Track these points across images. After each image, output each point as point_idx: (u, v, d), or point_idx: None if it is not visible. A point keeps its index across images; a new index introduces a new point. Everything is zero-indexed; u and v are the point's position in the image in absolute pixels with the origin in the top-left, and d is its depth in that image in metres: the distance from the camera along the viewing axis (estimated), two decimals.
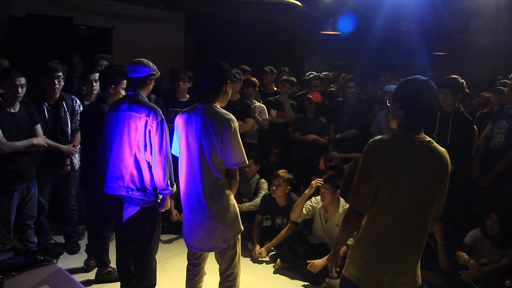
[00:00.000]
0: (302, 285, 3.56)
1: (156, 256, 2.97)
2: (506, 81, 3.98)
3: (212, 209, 2.40)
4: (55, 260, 3.48)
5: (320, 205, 3.80)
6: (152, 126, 2.62)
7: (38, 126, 3.34)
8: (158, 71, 2.84)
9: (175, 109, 4.45)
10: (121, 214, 2.84)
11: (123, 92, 3.18)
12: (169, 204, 2.85)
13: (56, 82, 3.53)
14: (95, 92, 3.90)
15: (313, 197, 3.86)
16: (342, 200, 3.72)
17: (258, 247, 3.99)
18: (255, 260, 3.92)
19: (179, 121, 2.50)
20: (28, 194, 3.33)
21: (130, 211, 2.80)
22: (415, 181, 1.86)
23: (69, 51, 5.33)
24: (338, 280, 2.26)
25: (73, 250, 3.84)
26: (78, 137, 3.68)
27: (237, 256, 2.56)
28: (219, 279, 2.65)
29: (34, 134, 3.30)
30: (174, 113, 4.45)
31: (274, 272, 3.75)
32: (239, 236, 2.58)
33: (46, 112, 3.57)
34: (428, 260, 3.50)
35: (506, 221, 3.19)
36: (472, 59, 6.92)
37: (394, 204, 1.86)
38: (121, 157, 2.70)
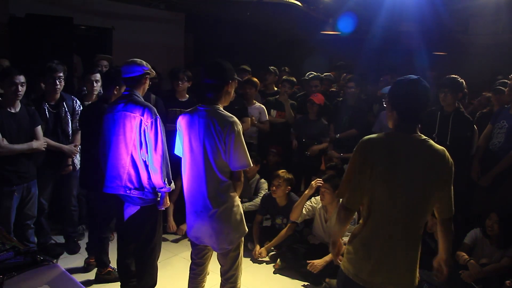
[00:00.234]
0: (302, 285, 3.55)
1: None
2: (506, 81, 3.99)
3: (217, 211, 2.37)
4: (55, 260, 3.50)
5: (320, 205, 3.80)
6: (146, 125, 2.64)
7: (39, 128, 3.34)
8: (152, 70, 2.85)
9: (174, 109, 4.46)
10: (122, 214, 2.86)
11: None
12: (168, 202, 2.84)
13: (57, 83, 3.54)
14: (96, 93, 3.91)
15: (313, 197, 3.86)
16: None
17: (258, 247, 3.99)
18: (255, 260, 3.92)
19: (181, 122, 2.46)
20: (28, 194, 3.33)
21: (130, 211, 2.81)
22: (408, 179, 1.85)
23: (69, 51, 5.33)
24: None
25: (73, 250, 3.84)
26: (79, 137, 3.69)
27: (239, 258, 2.55)
28: (219, 280, 2.64)
29: (34, 136, 3.29)
30: (173, 113, 4.46)
31: (274, 272, 3.75)
32: (242, 237, 2.56)
33: (47, 112, 3.57)
34: (428, 260, 3.50)
35: (506, 221, 3.19)
36: (472, 59, 6.92)
37: (385, 202, 1.87)
38: (118, 157, 2.73)
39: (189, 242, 4.18)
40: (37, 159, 3.41)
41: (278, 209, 4.11)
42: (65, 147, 3.63)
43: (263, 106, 4.87)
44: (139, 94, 2.78)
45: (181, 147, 2.50)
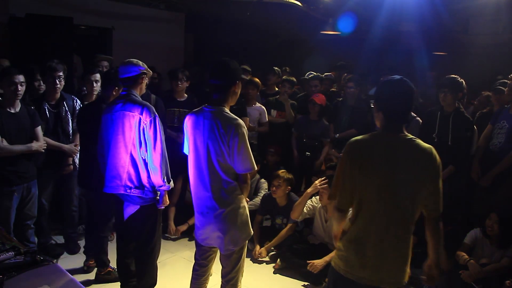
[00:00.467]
0: (302, 285, 3.56)
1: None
2: (506, 81, 3.99)
3: (224, 211, 2.35)
4: (55, 260, 3.51)
5: (320, 204, 3.80)
6: (145, 123, 2.64)
7: (39, 129, 3.33)
8: (149, 70, 2.85)
9: (173, 109, 4.47)
10: (121, 214, 2.86)
11: None
12: (167, 201, 2.84)
13: (57, 82, 3.54)
14: (95, 93, 3.90)
15: (313, 197, 3.86)
16: None
17: (258, 247, 3.99)
18: (255, 260, 3.92)
19: (187, 123, 2.44)
20: (28, 194, 3.33)
21: (130, 210, 2.82)
22: (396, 178, 1.88)
23: (69, 51, 5.32)
24: None
25: (73, 250, 3.84)
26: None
27: (241, 260, 2.52)
28: (220, 280, 2.64)
29: (34, 136, 3.29)
30: (172, 113, 4.47)
31: (274, 272, 3.76)
32: (247, 240, 2.55)
33: (47, 112, 3.58)
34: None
35: (506, 221, 3.19)
36: (472, 59, 6.92)
37: (374, 201, 1.90)
38: (117, 157, 2.73)
39: (189, 242, 4.23)
40: (37, 159, 3.41)
41: (278, 209, 4.11)
42: (66, 146, 3.63)
43: (263, 107, 4.87)
44: (137, 93, 2.79)
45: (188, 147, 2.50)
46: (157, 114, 2.70)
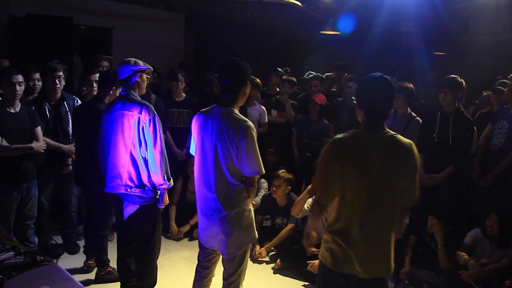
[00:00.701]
0: (302, 285, 3.56)
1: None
2: (505, 81, 3.99)
3: (228, 213, 2.32)
4: (55, 260, 3.51)
5: None
6: (145, 123, 2.64)
7: (39, 129, 3.34)
8: (146, 65, 2.80)
9: (172, 109, 4.48)
10: (122, 213, 2.86)
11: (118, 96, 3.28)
12: (167, 200, 2.84)
13: (57, 82, 3.55)
14: (95, 93, 3.91)
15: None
16: None
17: (258, 247, 3.99)
18: (255, 260, 3.92)
19: (195, 123, 2.41)
20: (28, 194, 3.33)
21: (129, 210, 2.82)
22: (377, 174, 1.93)
23: (69, 51, 5.32)
24: None
25: (72, 250, 3.84)
26: None
27: (244, 263, 2.49)
28: (220, 280, 2.63)
29: (34, 136, 3.29)
30: (171, 113, 4.48)
31: (274, 272, 3.76)
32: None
33: (47, 112, 3.58)
34: (428, 260, 3.51)
35: (506, 221, 3.19)
36: (472, 59, 6.92)
37: (356, 196, 1.96)
38: (117, 156, 2.74)
39: (189, 242, 4.23)
40: (37, 159, 3.41)
41: (278, 209, 4.11)
42: (65, 146, 3.63)
43: (263, 107, 4.88)
44: (136, 93, 2.79)
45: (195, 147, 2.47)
46: (156, 113, 2.70)
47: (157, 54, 6.60)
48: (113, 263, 3.39)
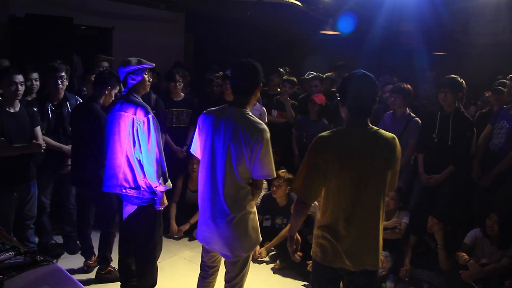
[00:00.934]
0: (302, 285, 3.56)
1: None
2: (505, 81, 3.98)
3: (235, 216, 2.27)
4: (55, 260, 3.51)
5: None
6: (139, 124, 2.63)
7: (38, 129, 3.34)
8: (142, 63, 2.74)
9: (171, 109, 4.48)
10: (122, 213, 2.87)
11: (113, 96, 3.33)
12: (166, 202, 2.80)
13: (59, 82, 3.56)
14: None
15: None
16: None
17: (258, 247, 3.98)
18: (255, 260, 3.91)
19: (203, 122, 2.33)
20: (28, 194, 3.33)
21: (128, 210, 2.83)
22: (361, 168, 1.97)
23: (69, 51, 5.33)
24: None
25: (72, 250, 3.83)
26: None
27: (247, 266, 2.47)
28: (219, 280, 2.63)
29: (33, 136, 3.30)
30: (170, 113, 4.48)
31: (274, 272, 3.76)
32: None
33: (49, 112, 3.59)
34: (428, 260, 3.51)
35: (506, 221, 3.19)
36: (472, 59, 6.93)
37: (342, 192, 2.00)
38: (114, 156, 2.75)
39: (189, 242, 4.23)
40: (36, 158, 3.41)
41: (278, 209, 4.11)
42: (65, 147, 3.63)
43: (263, 107, 4.88)
44: (136, 93, 2.78)
45: (198, 147, 2.40)
46: (152, 114, 2.67)
47: (157, 54, 6.60)
48: (113, 263, 3.39)
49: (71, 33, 5.45)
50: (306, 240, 3.95)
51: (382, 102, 4.93)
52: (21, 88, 3.16)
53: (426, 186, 3.84)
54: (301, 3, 6.55)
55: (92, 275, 3.45)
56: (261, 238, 2.48)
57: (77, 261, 3.65)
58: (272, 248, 3.98)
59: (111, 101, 3.33)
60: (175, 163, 4.35)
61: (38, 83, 3.61)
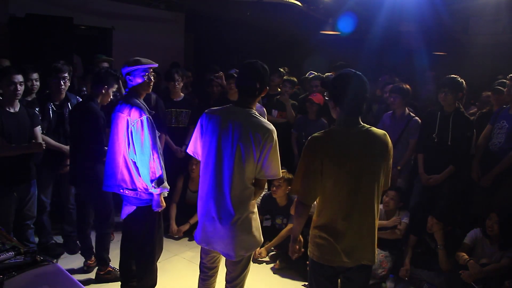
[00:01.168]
0: (302, 285, 3.56)
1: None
2: (505, 81, 3.98)
3: (240, 217, 2.27)
4: (55, 260, 3.51)
5: None
6: (133, 125, 2.62)
7: (38, 129, 3.34)
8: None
9: (170, 109, 4.47)
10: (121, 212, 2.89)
11: (111, 95, 3.36)
12: (163, 204, 2.77)
13: (62, 83, 3.57)
14: None
15: None
16: None
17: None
18: (255, 260, 3.91)
19: (208, 123, 2.30)
20: (27, 194, 3.33)
21: (127, 210, 2.83)
22: (357, 166, 2.00)
23: (69, 51, 5.33)
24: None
25: (72, 250, 3.83)
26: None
27: (249, 266, 2.48)
28: (220, 279, 2.63)
29: (33, 136, 3.30)
30: (169, 113, 4.48)
31: (274, 272, 3.76)
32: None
33: (50, 111, 3.59)
34: (428, 260, 3.51)
35: (506, 221, 3.19)
36: (472, 59, 6.93)
37: (338, 190, 2.02)
38: (112, 157, 2.76)
39: (189, 242, 4.23)
40: (37, 157, 3.42)
41: (278, 209, 4.11)
42: (65, 147, 3.63)
43: (263, 107, 4.87)
44: (136, 94, 2.77)
45: (199, 147, 2.37)
46: (147, 115, 2.65)
47: (157, 54, 6.60)
48: (113, 263, 3.39)
49: (71, 33, 5.45)
50: (306, 240, 3.95)
51: (383, 102, 4.93)
52: (20, 88, 3.16)
53: (426, 186, 3.84)
54: (301, 3, 6.55)
55: (92, 275, 3.45)
56: (262, 239, 2.48)
57: (77, 261, 3.65)
58: (272, 248, 3.98)
59: (109, 100, 3.34)
60: (175, 163, 4.35)
61: (38, 83, 3.61)
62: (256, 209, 2.41)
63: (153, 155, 2.62)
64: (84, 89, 4.56)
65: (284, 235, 3.94)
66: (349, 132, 2.05)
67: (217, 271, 2.59)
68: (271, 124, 2.28)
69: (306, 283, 3.55)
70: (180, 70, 4.67)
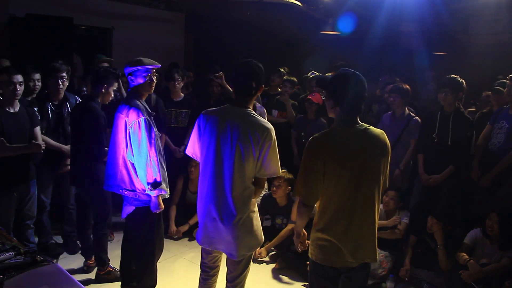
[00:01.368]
0: (302, 285, 3.56)
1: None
2: (505, 81, 3.99)
3: (241, 217, 2.28)
4: (55, 260, 3.51)
5: None
6: (131, 126, 2.62)
7: (38, 129, 3.34)
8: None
9: (169, 109, 4.47)
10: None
11: (112, 94, 3.33)
12: (162, 206, 2.76)
13: (60, 83, 3.56)
14: None
15: None
16: None
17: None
18: (255, 260, 3.91)
19: (206, 124, 2.29)
20: (27, 194, 3.33)
21: (127, 210, 2.84)
22: (358, 167, 2.01)
23: (69, 51, 5.33)
24: None
25: (72, 250, 3.83)
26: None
27: (249, 265, 2.48)
28: (220, 279, 2.63)
29: (33, 137, 3.30)
30: (169, 113, 4.48)
31: (274, 272, 3.76)
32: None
33: (49, 111, 3.59)
34: (428, 260, 3.51)
35: (506, 221, 3.19)
36: (472, 59, 6.92)
37: (341, 190, 2.03)
38: (113, 157, 2.76)
39: (189, 242, 4.23)
40: (36, 156, 3.42)
41: (278, 209, 4.11)
42: (65, 147, 3.63)
43: (263, 107, 4.87)
44: (137, 94, 2.77)
45: (197, 148, 2.37)
46: (144, 117, 2.64)
47: (157, 54, 6.59)
48: (113, 263, 3.39)
49: (71, 33, 5.45)
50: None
51: (383, 103, 4.93)
52: (20, 88, 3.16)
53: (426, 186, 3.84)
54: (301, 3, 6.55)
55: (92, 275, 3.45)
56: (263, 238, 2.49)
57: (77, 261, 3.65)
58: (272, 248, 3.98)
59: (110, 99, 3.33)
60: (175, 163, 4.34)
61: (40, 83, 3.62)
62: (256, 208, 2.42)
63: (150, 157, 2.61)
64: (84, 89, 4.56)
65: (284, 235, 3.94)
66: (349, 132, 2.05)
67: (219, 270, 2.59)
68: (269, 123, 2.28)
69: (306, 283, 3.55)
70: (180, 70, 4.66)
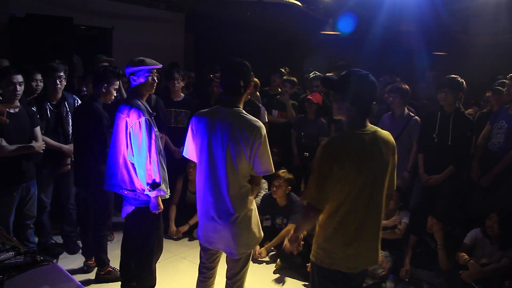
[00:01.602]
0: (302, 285, 3.56)
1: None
2: (505, 81, 3.98)
3: (239, 216, 2.30)
4: (55, 260, 3.51)
5: None
6: (132, 126, 2.62)
7: (38, 129, 3.34)
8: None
9: (169, 109, 4.47)
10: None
11: (114, 93, 3.28)
12: (161, 206, 2.76)
13: (58, 82, 3.56)
14: None
15: None
16: None
17: (258, 247, 3.98)
18: (255, 260, 3.91)
19: (197, 125, 2.32)
20: (27, 194, 3.33)
21: (127, 209, 2.84)
22: (369, 170, 1.99)
23: (69, 51, 5.33)
24: None
25: (72, 250, 3.84)
26: None
27: (249, 262, 2.50)
28: (219, 279, 2.64)
29: (33, 136, 3.30)
30: (169, 113, 4.47)
31: (274, 272, 3.76)
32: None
33: (48, 111, 3.59)
34: (428, 260, 3.51)
35: (506, 221, 3.19)
36: (472, 59, 6.92)
37: (353, 194, 1.99)
38: (114, 156, 2.77)
39: (189, 242, 4.23)
40: (36, 156, 3.42)
41: (278, 209, 4.11)
42: (65, 147, 3.64)
43: (263, 107, 4.88)
44: (138, 94, 2.77)
45: (193, 150, 2.40)
46: (146, 117, 2.64)
47: (157, 54, 6.58)
48: (113, 263, 3.39)
49: (71, 33, 5.45)
50: (306, 240, 3.95)
51: (383, 103, 4.93)
52: (20, 89, 3.16)
53: (426, 186, 3.84)
54: (301, 3, 6.55)
55: (92, 275, 3.45)
56: (263, 234, 2.50)
57: (77, 261, 3.65)
58: (272, 248, 3.98)
59: (112, 98, 3.30)
60: (175, 164, 4.34)
61: (42, 84, 3.61)
62: (254, 206, 2.43)
63: (150, 157, 2.61)
64: (84, 89, 4.56)
65: (284, 235, 3.94)
66: (363, 134, 2.01)
67: (216, 271, 2.60)
68: (259, 121, 2.29)
69: (306, 283, 3.55)
70: (181, 70, 4.65)
